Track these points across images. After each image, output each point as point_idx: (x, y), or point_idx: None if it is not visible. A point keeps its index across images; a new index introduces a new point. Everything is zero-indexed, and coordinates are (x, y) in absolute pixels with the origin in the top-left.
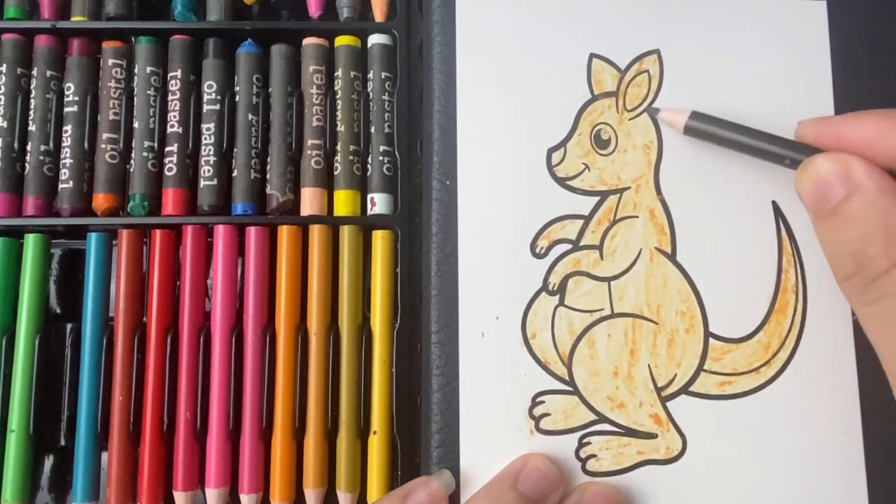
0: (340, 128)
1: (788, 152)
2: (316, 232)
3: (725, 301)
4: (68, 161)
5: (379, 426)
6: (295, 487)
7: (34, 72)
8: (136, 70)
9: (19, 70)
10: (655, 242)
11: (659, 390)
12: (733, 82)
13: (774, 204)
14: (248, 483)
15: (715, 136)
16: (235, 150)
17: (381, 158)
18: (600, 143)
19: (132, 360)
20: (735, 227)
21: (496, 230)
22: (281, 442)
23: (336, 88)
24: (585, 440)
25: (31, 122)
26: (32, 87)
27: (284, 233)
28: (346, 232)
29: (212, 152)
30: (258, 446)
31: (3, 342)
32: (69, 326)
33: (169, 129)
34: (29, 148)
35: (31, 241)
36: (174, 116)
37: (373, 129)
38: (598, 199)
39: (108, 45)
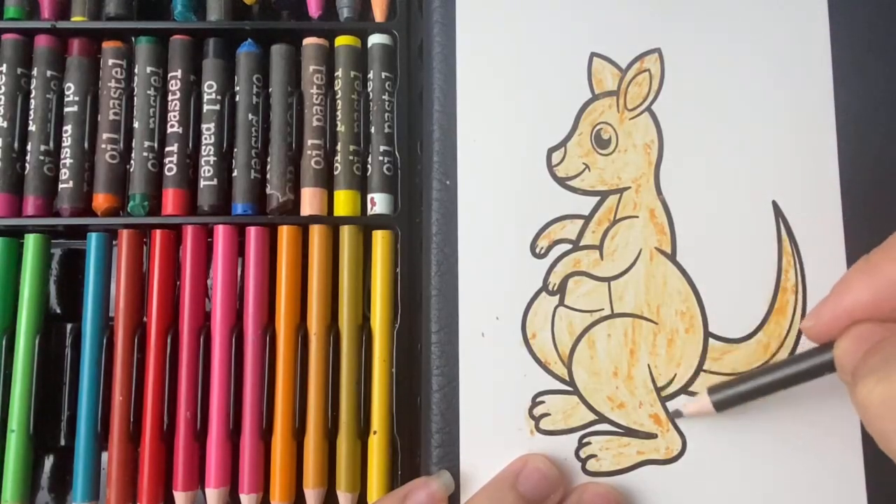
0: (340, 128)
1: (814, 365)
2: (316, 232)
3: (725, 301)
4: (68, 161)
5: (379, 426)
6: (295, 487)
7: (34, 72)
8: (136, 70)
9: (19, 70)
10: (655, 242)
11: (659, 390)
12: (734, 81)
13: (774, 204)
14: (248, 483)
15: (744, 395)
16: (235, 150)
17: (381, 158)
18: (601, 142)
19: (132, 360)
20: (735, 227)
21: (496, 230)
22: (281, 442)
23: (336, 88)
24: (585, 440)
25: (31, 122)
26: (32, 87)
27: (284, 233)
28: (346, 232)
29: (212, 152)
30: (258, 446)
31: (3, 342)
32: (69, 326)
33: (169, 129)
34: (29, 148)
35: (31, 241)
36: (174, 116)
37: (373, 129)
38: (598, 199)
39: (108, 45)
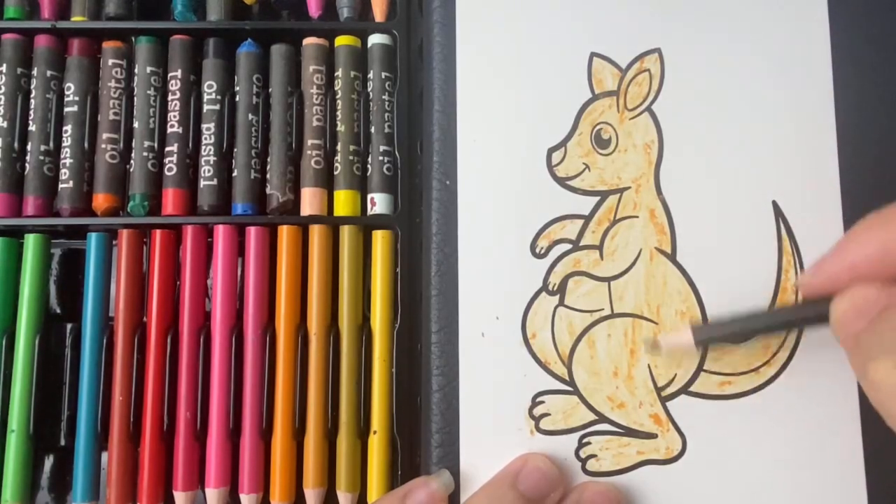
0: (340, 128)
1: (805, 317)
2: (316, 232)
3: (726, 301)
4: (68, 161)
5: (379, 426)
6: (295, 487)
7: (34, 72)
8: (136, 70)
9: (19, 70)
10: (655, 242)
11: (659, 390)
12: (734, 81)
13: (774, 204)
14: (248, 483)
15: (726, 335)
16: (235, 150)
17: (381, 158)
18: (601, 142)
19: (132, 360)
20: (735, 227)
21: (496, 230)
22: (281, 442)
23: (336, 88)
24: (585, 440)
25: (31, 122)
26: (32, 87)
27: (284, 233)
28: (346, 232)
29: (212, 152)
30: (258, 446)
31: (3, 342)
32: (69, 326)
33: (169, 129)
34: (29, 148)
35: (31, 241)
36: (174, 116)
37: (373, 129)
38: (598, 198)
39: (108, 45)
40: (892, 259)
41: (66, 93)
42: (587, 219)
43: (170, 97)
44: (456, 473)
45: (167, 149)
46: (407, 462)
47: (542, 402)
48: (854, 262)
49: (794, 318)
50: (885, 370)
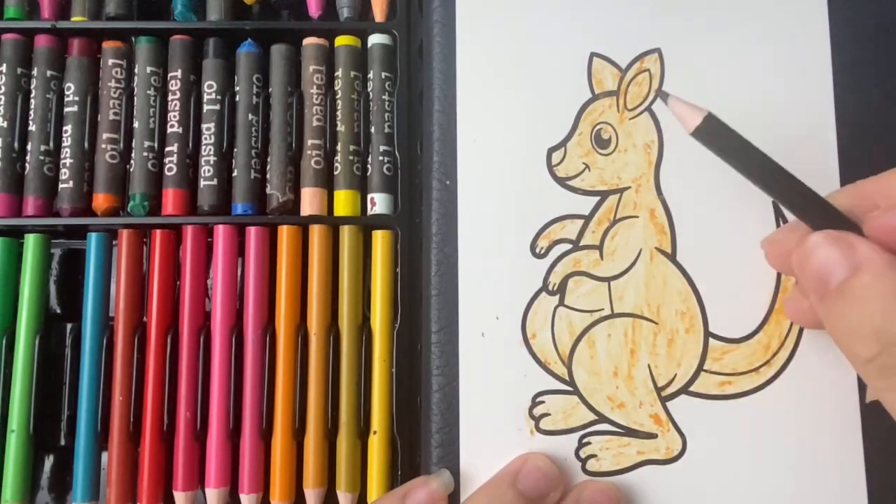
0: (340, 128)
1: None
2: (316, 232)
3: (725, 301)
4: (68, 161)
5: (379, 426)
6: (295, 487)
7: (34, 72)
8: (136, 70)
9: (19, 70)
10: (655, 242)
11: (659, 390)
12: (734, 81)
13: (774, 204)
14: (248, 483)
15: (725, 150)
16: (235, 150)
17: (381, 158)
18: (601, 142)
19: (132, 360)
20: (735, 227)
21: (496, 230)
22: (281, 442)
23: (336, 88)
24: (585, 440)
25: (31, 122)
26: (32, 87)
27: (284, 233)
28: (346, 232)
29: (212, 152)
30: (258, 446)
31: (3, 342)
32: (69, 326)
33: (169, 129)
34: (29, 148)
35: (31, 241)
36: (174, 116)
37: (373, 129)
38: (598, 198)
39: (108, 45)
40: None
41: (66, 93)
42: (587, 219)
43: (170, 97)
44: (456, 473)
45: (167, 149)
46: (407, 462)
47: (542, 402)
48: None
49: (800, 202)
50: (868, 352)
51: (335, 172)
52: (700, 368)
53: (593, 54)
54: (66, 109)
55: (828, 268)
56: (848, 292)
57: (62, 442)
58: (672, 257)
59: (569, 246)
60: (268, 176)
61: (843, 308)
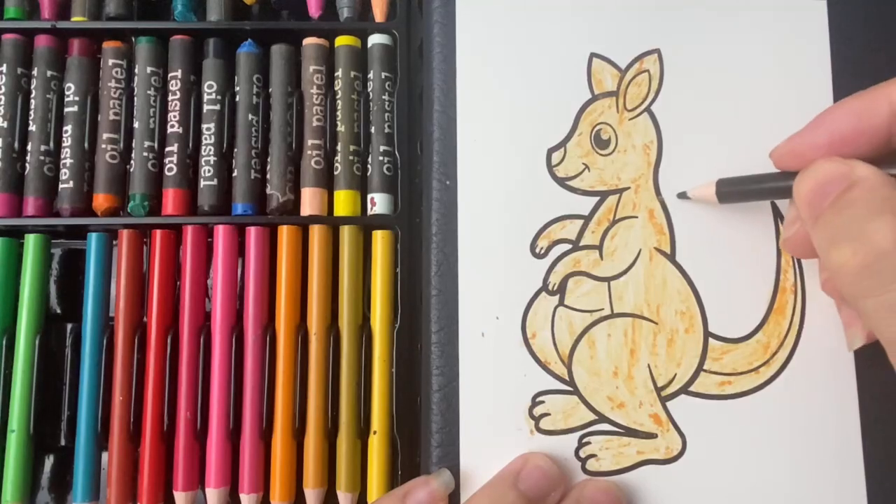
0: (340, 128)
1: None
2: (316, 232)
3: (725, 301)
4: (68, 161)
5: (379, 426)
6: (295, 487)
7: (34, 72)
8: (136, 70)
9: (19, 70)
10: (655, 242)
11: (659, 390)
12: (734, 82)
13: (774, 204)
14: (248, 483)
15: (750, 193)
16: (235, 150)
17: (381, 158)
18: (600, 143)
19: (132, 360)
20: (734, 227)
21: (496, 230)
22: (281, 442)
23: (336, 88)
24: (585, 440)
25: (31, 122)
26: (32, 87)
27: (284, 233)
28: (346, 232)
29: (212, 152)
30: (258, 446)
31: (3, 342)
32: (69, 326)
33: (169, 129)
34: (29, 148)
35: (31, 241)
36: (174, 116)
37: (373, 129)
38: (597, 199)
39: (108, 45)
40: (866, 138)
41: (67, 93)
42: (587, 219)
43: (170, 97)
44: (456, 473)
45: (167, 149)
46: (407, 462)
47: (542, 402)
48: (826, 138)
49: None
50: (845, 256)
51: (335, 172)
52: (700, 368)
53: (593, 55)
54: (67, 109)
55: (826, 181)
56: (838, 204)
57: (62, 442)
58: (671, 257)
59: (568, 246)
60: (268, 176)
61: (830, 218)
